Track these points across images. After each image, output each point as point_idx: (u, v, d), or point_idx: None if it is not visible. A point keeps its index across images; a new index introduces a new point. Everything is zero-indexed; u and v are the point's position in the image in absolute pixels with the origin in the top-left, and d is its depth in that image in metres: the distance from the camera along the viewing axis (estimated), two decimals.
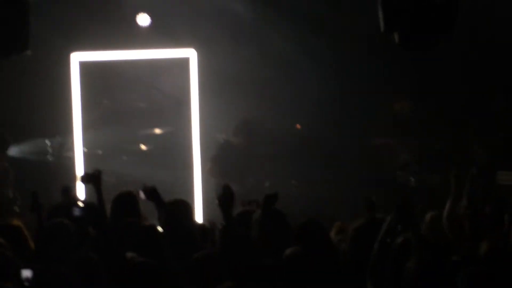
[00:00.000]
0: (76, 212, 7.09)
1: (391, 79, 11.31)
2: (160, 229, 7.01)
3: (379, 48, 10.07)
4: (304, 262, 6.03)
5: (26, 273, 6.10)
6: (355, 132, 11.46)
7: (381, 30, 6.65)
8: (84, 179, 7.67)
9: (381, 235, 5.78)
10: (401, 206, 5.80)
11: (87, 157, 10.89)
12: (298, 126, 11.78)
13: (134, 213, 7.28)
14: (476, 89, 11.06)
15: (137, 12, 11.36)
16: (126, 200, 7.40)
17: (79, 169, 10.55)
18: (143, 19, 11.34)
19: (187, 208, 7.39)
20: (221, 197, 6.64)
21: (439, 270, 5.47)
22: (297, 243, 6.25)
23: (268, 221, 6.63)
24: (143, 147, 11.66)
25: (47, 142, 11.29)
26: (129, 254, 6.35)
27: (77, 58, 10.69)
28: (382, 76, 11.28)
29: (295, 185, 11.17)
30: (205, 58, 10.97)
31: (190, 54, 10.86)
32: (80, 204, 7.23)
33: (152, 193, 7.20)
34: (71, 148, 10.85)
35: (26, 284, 5.89)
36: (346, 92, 11.44)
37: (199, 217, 10.22)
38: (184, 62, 10.89)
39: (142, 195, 7.35)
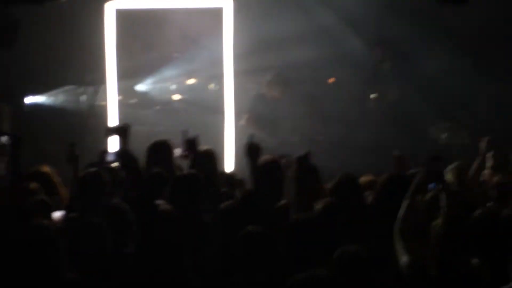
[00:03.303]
0: (110, 156, 7.18)
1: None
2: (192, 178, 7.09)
3: None
4: (335, 215, 6.06)
5: (57, 214, 6.26)
6: (387, 88, 11.43)
7: None
8: (112, 131, 7.77)
9: (411, 190, 5.78)
10: (431, 160, 5.80)
11: (121, 106, 10.95)
12: (330, 80, 11.75)
13: (168, 162, 7.36)
14: None
15: None
16: (161, 149, 7.46)
17: (113, 118, 10.61)
18: None
19: (215, 157, 7.44)
20: (247, 147, 6.68)
21: (467, 227, 5.47)
22: (331, 197, 6.29)
23: (302, 177, 6.69)
24: (176, 97, 11.71)
25: (82, 90, 11.37)
26: (159, 202, 6.44)
27: (112, 6, 10.69)
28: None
29: (322, 141, 11.14)
30: (242, 9, 10.92)
31: (226, 3, 10.80)
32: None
33: (192, 144, 7.29)
34: (105, 97, 10.91)
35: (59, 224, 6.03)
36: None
37: (230, 167, 10.29)
38: (220, 12, 10.85)
39: (177, 152, 7.42)
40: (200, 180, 6.63)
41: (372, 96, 11.45)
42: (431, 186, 5.80)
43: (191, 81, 11.69)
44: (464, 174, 6.99)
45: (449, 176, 6.66)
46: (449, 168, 6.82)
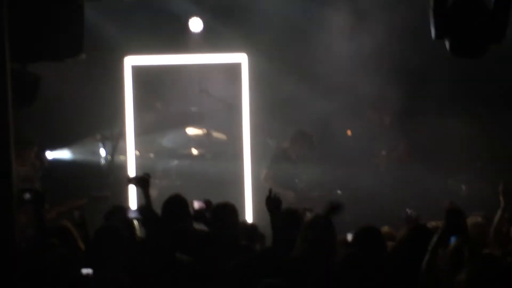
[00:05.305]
0: (132, 214, 7.25)
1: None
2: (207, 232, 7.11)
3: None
4: (356, 267, 6.04)
5: (87, 271, 6.27)
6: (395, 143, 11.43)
7: (432, 36, 6.63)
8: (133, 182, 7.84)
9: (432, 244, 5.74)
10: (451, 212, 5.78)
11: (139, 160, 11.00)
12: (349, 132, 11.73)
13: (184, 216, 7.37)
14: None
15: (189, 17, 11.46)
16: (176, 204, 7.48)
17: (131, 172, 10.65)
18: (196, 25, 11.43)
19: (234, 211, 7.44)
20: (268, 201, 6.69)
21: (490, 280, 5.41)
22: (353, 248, 6.27)
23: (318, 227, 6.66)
24: (194, 151, 11.74)
25: (101, 144, 11.43)
26: (178, 255, 6.43)
27: (130, 62, 10.80)
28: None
29: (340, 194, 11.09)
30: (257, 63, 11.00)
31: (242, 59, 10.90)
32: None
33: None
34: (123, 151, 10.97)
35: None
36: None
37: (249, 220, 10.26)
38: (236, 67, 10.94)
39: (196, 205, 7.45)
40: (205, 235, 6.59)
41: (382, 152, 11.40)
42: (452, 239, 5.78)
43: (209, 135, 11.73)
44: (484, 227, 6.96)
45: (470, 229, 6.62)
46: (469, 221, 6.78)
